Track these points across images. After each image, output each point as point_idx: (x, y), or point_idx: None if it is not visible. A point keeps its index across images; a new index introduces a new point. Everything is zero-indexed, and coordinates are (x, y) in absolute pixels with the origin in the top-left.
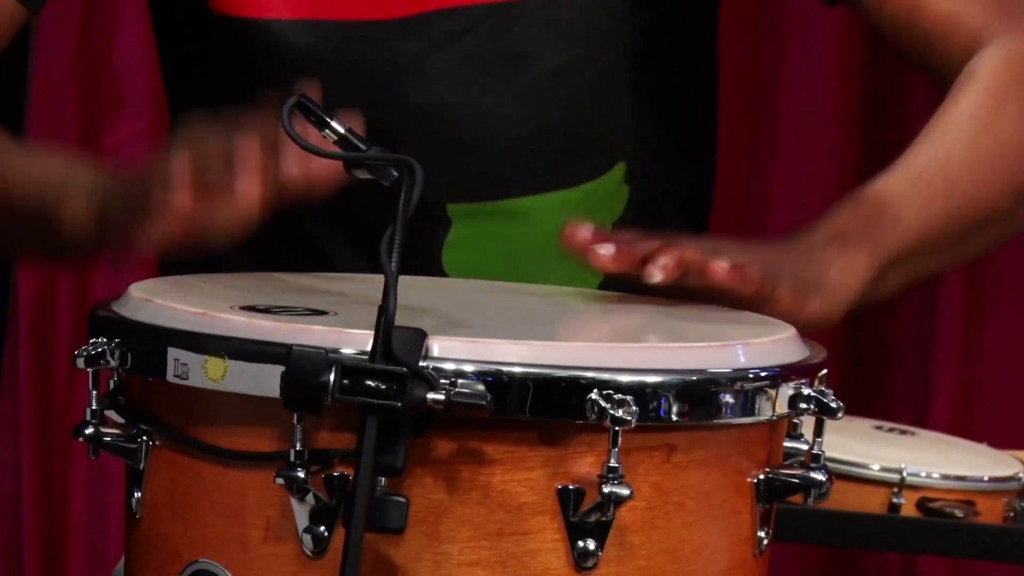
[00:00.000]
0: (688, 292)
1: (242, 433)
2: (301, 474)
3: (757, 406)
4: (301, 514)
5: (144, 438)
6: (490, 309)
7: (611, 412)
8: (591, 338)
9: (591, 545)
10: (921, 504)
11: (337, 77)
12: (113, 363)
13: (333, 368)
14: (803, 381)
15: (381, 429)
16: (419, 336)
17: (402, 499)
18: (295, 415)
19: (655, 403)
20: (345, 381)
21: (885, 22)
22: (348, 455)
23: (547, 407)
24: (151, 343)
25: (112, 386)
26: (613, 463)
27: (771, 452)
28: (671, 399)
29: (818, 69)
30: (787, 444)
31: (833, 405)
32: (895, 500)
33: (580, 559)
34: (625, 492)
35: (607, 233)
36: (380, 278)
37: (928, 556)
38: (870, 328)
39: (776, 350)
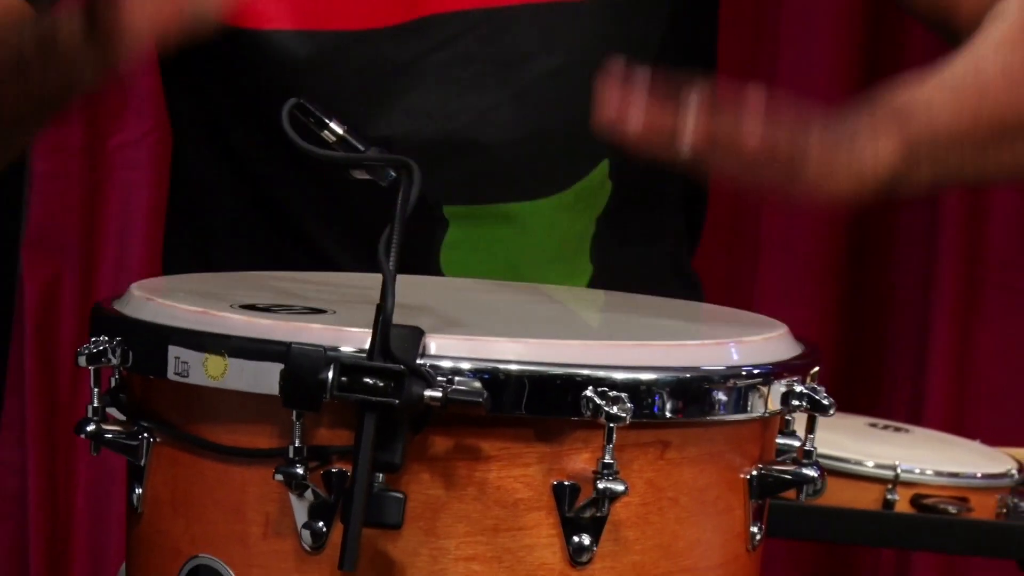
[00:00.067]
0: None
1: (242, 430)
2: (300, 470)
3: (750, 403)
4: (300, 510)
5: (145, 435)
6: (486, 308)
7: (606, 409)
8: (586, 336)
9: (586, 540)
10: (915, 500)
11: (337, 85)
12: (114, 361)
13: (332, 366)
14: (795, 378)
15: (379, 426)
16: (416, 334)
17: (400, 495)
18: (294, 412)
19: (649, 400)
20: (343, 379)
21: None
22: (346, 452)
23: (543, 404)
24: (152, 341)
25: (114, 384)
26: (608, 459)
27: (764, 448)
28: (665, 396)
29: (814, 69)
30: (779, 441)
31: (825, 402)
32: (889, 496)
33: (575, 554)
34: (620, 488)
35: (631, 88)
36: (378, 277)
37: (922, 552)
38: (865, 327)
39: (769, 348)
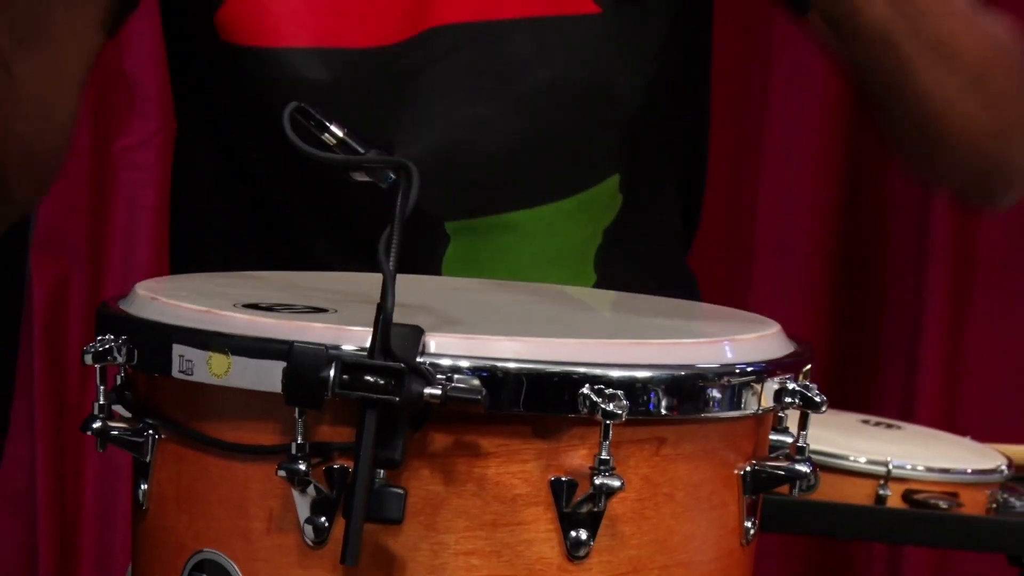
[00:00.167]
0: None
1: (245, 427)
2: (302, 467)
3: (743, 400)
4: (302, 505)
5: (150, 432)
6: (485, 307)
7: (602, 406)
8: (583, 334)
9: (583, 535)
10: (907, 496)
11: (347, 102)
12: (120, 359)
13: (333, 364)
14: (788, 376)
15: (380, 423)
16: (416, 333)
17: (400, 491)
18: (296, 410)
19: (645, 397)
20: (345, 377)
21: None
22: (348, 448)
23: (540, 401)
24: (157, 340)
25: (119, 382)
26: (604, 456)
27: (757, 445)
28: (660, 393)
29: (807, 75)
30: (773, 437)
31: (817, 399)
32: (881, 492)
33: (572, 549)
34: (616, 484)
35: None
36: (379, 277)
37: (913, 546)
38: (858, 326)
39: (762, 346)
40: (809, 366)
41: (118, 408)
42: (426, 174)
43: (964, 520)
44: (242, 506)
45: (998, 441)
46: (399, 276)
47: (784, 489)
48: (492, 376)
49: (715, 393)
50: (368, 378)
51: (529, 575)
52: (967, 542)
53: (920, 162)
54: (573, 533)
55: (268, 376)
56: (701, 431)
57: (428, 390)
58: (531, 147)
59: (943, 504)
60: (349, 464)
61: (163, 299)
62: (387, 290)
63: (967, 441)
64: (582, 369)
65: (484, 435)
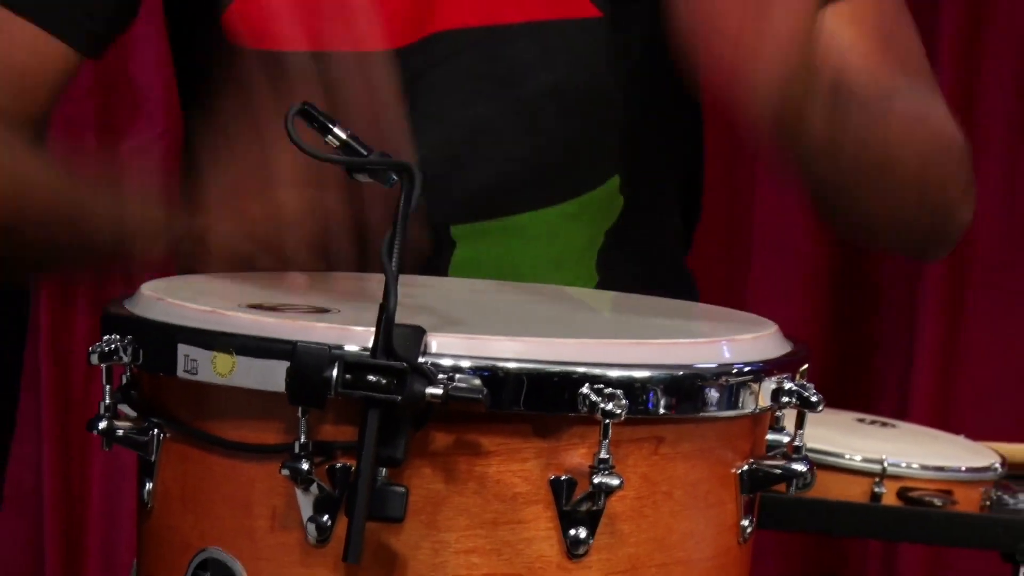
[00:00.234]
0: None
1: (249, 426)
2: (305, 465)
3: (741, 400)
4: (306, 504)
5: (155, 431)
6: (487, 307)
7: (602, 406)
8: (583, 335)
9: (583, 533)
10: (901, 493)
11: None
12: (126, 359)
13: (336, 364)
14: (785, 376)
15: (382, 422)
16: (418, 333)
17: (402, 489)
18: (300, 409)
19: (644, 397)
20: (347, 376)
21: None
22: (350, 447)
23: (540, 401)
24: (162, 340)
25: (125, 381)
26: (604, 454)
27: (754, 444)
28: (659, 393)
29: None
30: (770, 436)
31: (813, 399)
32: (877, 489)
33: (572, 547)
34: (615, 482)
35: None
36: (381, 278)
37: (908, 543)
38: (854, 326)
39: (759, 346)
40: (806, 366)
41: (124, 408)
42: (431, 178)
43: (958, 517)
44: (246, 505)
45: (992, 439)
46: (402, 277)
47: (781, 486)
48: (493, 376)
49: (713, 393)
50: (370, 377)
51: (529, 573)
52: (961, 539)
53: (852, 232)
54: (572, 531)
55: (272, 376)
56: (699, 430)
57: (430, 389)
58: (534, 151)
59: (938, 501)
60: (352, 463)
61: (168, 299)
62: (389, 290)
63: (961, 439)
64: (582, 369)
65: (485, 434)
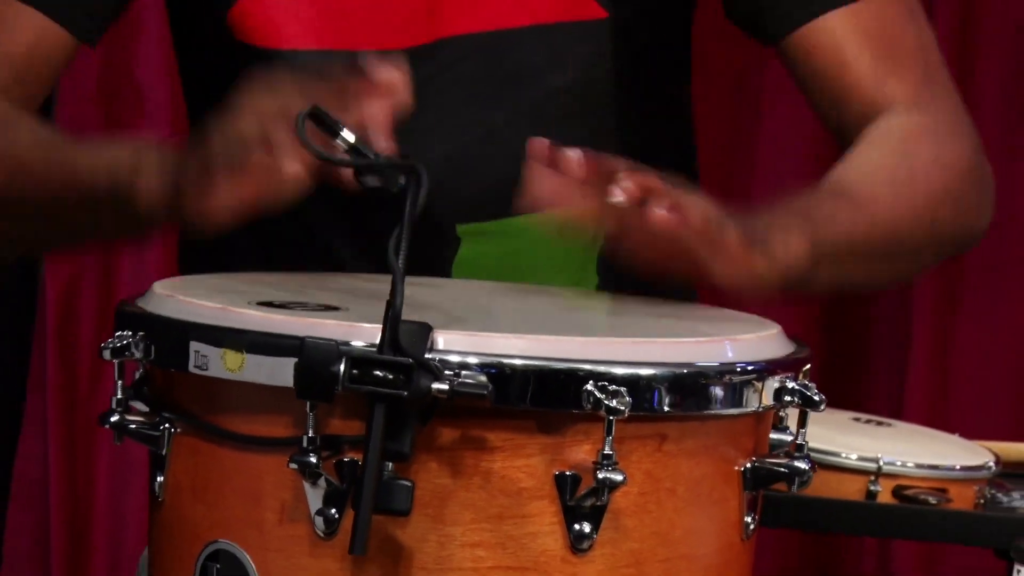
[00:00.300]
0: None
1: (259, 421)
2: (313, 459)
3: (744, 398)
4: (314, 497)
5: (167, 426)
6: (492, 306)
7: (606, 403)
8: (588, 333)
9: (587, 528)
10: (897, 491)
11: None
12: (138, 355)
13: (343, 359)
14: (788, 375)
15: (389, 417)
16: (425, 330)
17: (408, 483)
18: (308, 403)
19: (648, 394)
20: (355, 371)
21: (808, 74)
22: (357, 441)
23: (546, 397)
24: (174, 336)
25: (138, 377)
26: (607, 451)
27: (757, 442)
28: (663, 391)
29: None
30: (773, 435)
31: (816, 398)
32: (872, 488)
33: (576, 541)
34: (619, 478)
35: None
36: (389, 277)
37: (903, 540)
38: (849, 326)
39: (762, 346)
40: (808, 366)
41: (134, 403)
42: (438, 180)
43: (953, 515)
44: (255, 498)
45: (986, 438)
46: (411, 278)
47: (782, 485)
48: (499, 372)
49: (716, 391)
50: (377, 373)
51: (534, 567)
52: (956, 536)
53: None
54: (577, 526)
55: (281, 371)
56: (703, 428)
57: (435, 385)
58: None
59: (932, 499)
60: (359, 457)
61: (180, 297)
62: (396, 288)
63: (955, 438)
64: (587, 366)
65: (490, 430)
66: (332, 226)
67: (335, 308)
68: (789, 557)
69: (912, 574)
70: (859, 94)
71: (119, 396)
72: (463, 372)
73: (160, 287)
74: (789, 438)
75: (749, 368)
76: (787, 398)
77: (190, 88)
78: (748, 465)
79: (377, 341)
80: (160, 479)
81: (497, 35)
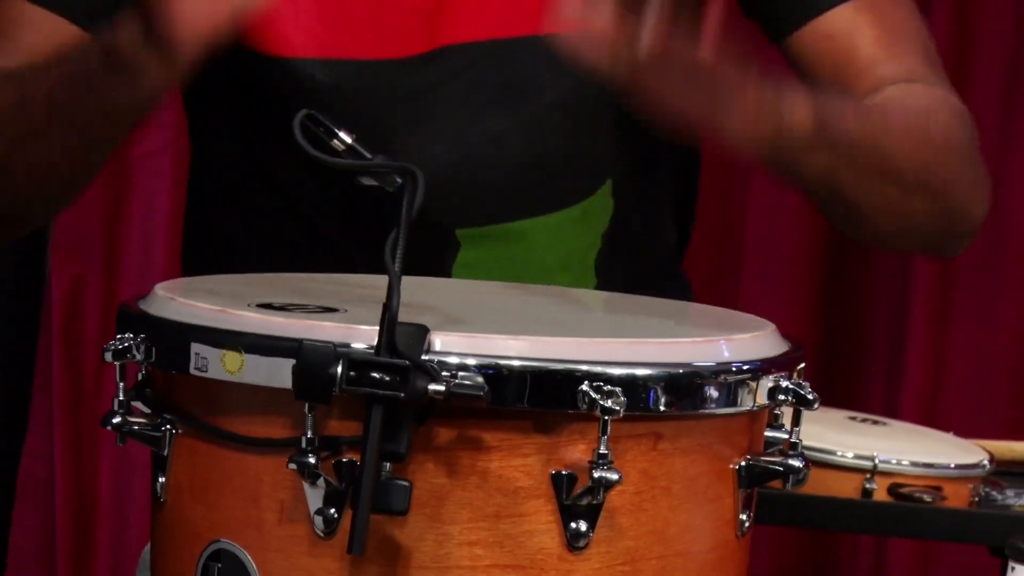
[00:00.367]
0: None
1: (258, 422)
2: (312, 460)
3: (739, 397)
4: (312, 497)
5: (168, 427)
6: (489, 307)
7: (601, 402)
8: (583, 334)
9: (583, 526)
10: (892, 489)
11: (356, 110)
12: (139, 357)
13: (341, 361)
14: (782, 374)
15: (386, 418)
16: (421, 332)
17: (406, 483)
18: (306, 405)
19: (643, 394)
20: (352, 373)
21: (819, 63)
22: (355, 442)
23: (542, 398)
24: (174, 338)
25: (140, 379)
26: (603, 450)
27: (752, 440)
28: (658, 391)
29: None
30: (769, 434)
31: (810, 396)
32: (868, 485)
33: (572, 539)
34: (614, 477)
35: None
36: (387, 279)
37: (898, 538)
38: (844, 325)
39: (757, 345)
40: (803, 365)
41: (136, 404)
42: (439, 186)
43: (948, 513)
44: (255, 498)
45: (980, 436)
46: (408, 278)
47: (776, 483)
48: (496, 373)
49: (711, 390)
50: (374, 375)
51: (531, 565)
52: (950, 534)
53: (866, 238)
54: (573, 524)
55: (279, 372)
56: (698, 427)
57: (432, 386)
58: (541, 160)
59: (927, 497)
60: (357, 457)
61: (181, 299)
62: (393, 290)
63: (950, 437)
64: (582, 367)
65: (487, 430)
66: (332, 226)
67: (334, 310)
68: (786, 554)
69: (907, 572)
70: (870, 74)
71: (121, 398)
72: (460, 373)
73: (161, 289)
74: (784, 436)
75: (744, 368)
76: (781, 397)
77: (190, 93)
78: (743, 463)
79: (374, 343)
80: (162, 480)
81: (498, 44)
